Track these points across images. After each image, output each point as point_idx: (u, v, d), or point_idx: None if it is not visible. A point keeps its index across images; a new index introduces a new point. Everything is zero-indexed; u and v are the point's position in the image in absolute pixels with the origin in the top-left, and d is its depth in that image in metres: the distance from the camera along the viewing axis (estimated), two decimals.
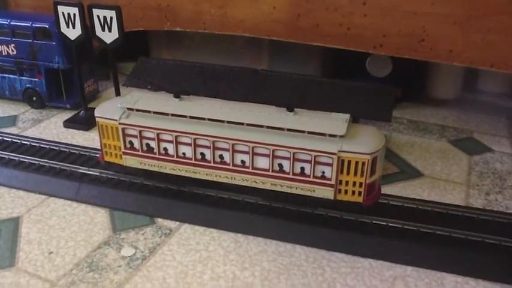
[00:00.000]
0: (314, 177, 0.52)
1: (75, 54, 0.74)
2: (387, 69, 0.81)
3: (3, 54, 0.79)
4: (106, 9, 0.68)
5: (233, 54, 0.92)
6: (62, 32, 0.72)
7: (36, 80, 0.80)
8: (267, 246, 0.52)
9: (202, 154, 0.54)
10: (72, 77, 0.80)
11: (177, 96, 0.57)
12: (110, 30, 0.69)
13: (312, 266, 0.49)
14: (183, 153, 0.55)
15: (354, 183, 0.51)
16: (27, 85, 0.81)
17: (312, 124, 0.51)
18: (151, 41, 0.99)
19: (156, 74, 0.73)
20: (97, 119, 0.57)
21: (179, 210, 0.55)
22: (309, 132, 0.51)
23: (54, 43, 0.76)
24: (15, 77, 0.81)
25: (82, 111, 0.79)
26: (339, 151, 0.50)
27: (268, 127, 0.52)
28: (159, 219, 0.56)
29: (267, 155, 0.52)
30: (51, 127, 0.76)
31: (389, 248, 0.51)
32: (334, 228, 0.53)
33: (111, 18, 0.69)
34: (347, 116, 0.53)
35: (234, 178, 0.54)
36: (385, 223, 0.53)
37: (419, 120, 0.80)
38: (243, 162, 0.53)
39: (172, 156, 0.55)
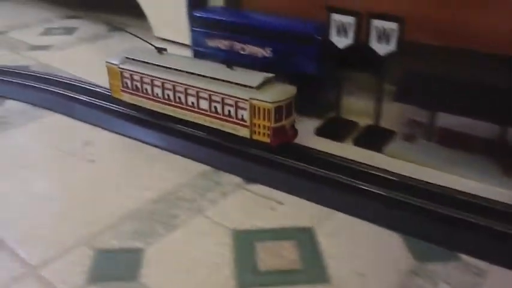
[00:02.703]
0: (237, 118, 0.66)
1: (338, 62, 0.73)
2: None
3: (258, 56, 0.81)
4: (388, 20, 0.66)
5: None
6: (330, 40, 0.72)
7: None
8: None
9: (167, 95, 0.72)
10: (322, 84, 0.79)
11: (159, 51, 0.75)
12: (387, 41, 0.67)
13: None
14: (156, 93, 0.73)
15: (264, 127, 0.64)
16: None
17: (238, 77, 0.66)
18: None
19: (432, 91, 0.69)
20: (106, 64, 0.78)
21: (494, 251, 0.52)
22: (233, 83, 0.66)
23: (313, 49, 0.76)
24: None
25: (333, 121, 0.78)
26: (250, 98, 0.63)
27: (208, 77, 0.68)
28: (464, 256, 0.52)
29: (206, 99, 0.68)
30: (300, 134, 0.76)
31: None
32: None
33: (392, 30, 0.66)
34: (270, 75, 0.66)
35: (186, 115, 0.71)
36: None
37: None
38: (192, 103, 0.69)
39: (150, 95, 0.74)
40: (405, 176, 0.62)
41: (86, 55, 1.13)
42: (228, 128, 0.67)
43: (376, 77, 0.71)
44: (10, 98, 0.89)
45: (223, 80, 0.66)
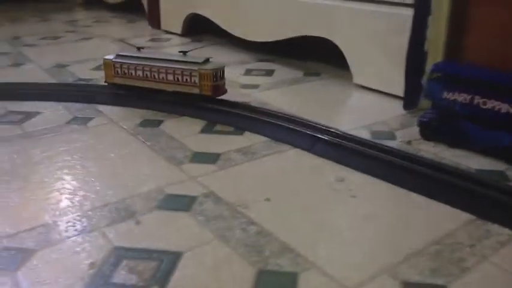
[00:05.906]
0: (191, 83, 1.08)
1: None
2: None
3: (502, 111, 0.84)
4: None
5: None
6: None
7: None
8: None
9: (145, 74, 1.14)
10: None
11: (138, 49, 1.19)
12: None
13: None
14: (138, 74, 1.15)
15: (207, 85, 1.07)
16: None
17: (189, 59, 1.10)
18: None
19: None
20: (103, 60, 1.19)
21: None
22: (187, 62, 1.09)
23: None
24: (502, 133, 0.84)
25: None
26: (199, 69, 1.07)
27: (172, 60, 1.12)
28: None
29: (172, 73, 1.10)
30: None
31: None
32: None
33: None
34: (208, 57, 1.10)
35: (160, 86, 1.13)
36: None
37: None
38: (163, 77, 1.12)
39: (134, 76, 1.15)
40: None
41: (293, 95, 1.25)
42: (186, 89, 1.09)
43: None
44: (249, 131, 1.01)
45: (181, 61, 1.11)
